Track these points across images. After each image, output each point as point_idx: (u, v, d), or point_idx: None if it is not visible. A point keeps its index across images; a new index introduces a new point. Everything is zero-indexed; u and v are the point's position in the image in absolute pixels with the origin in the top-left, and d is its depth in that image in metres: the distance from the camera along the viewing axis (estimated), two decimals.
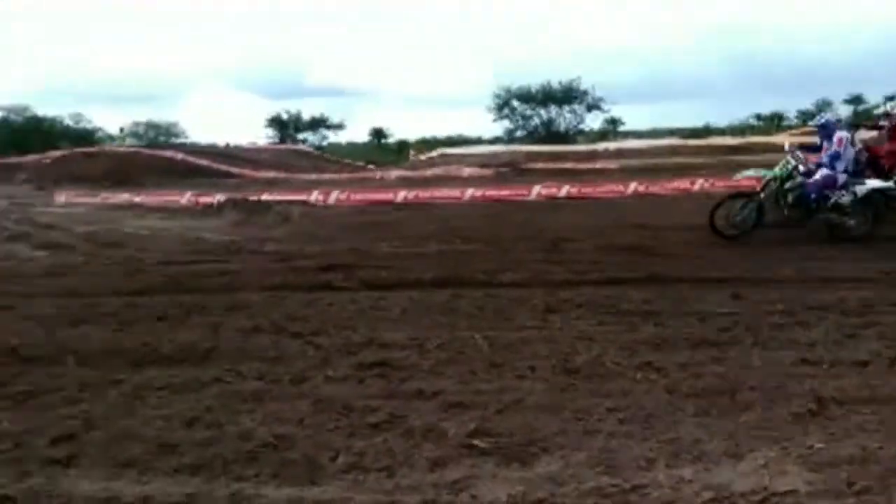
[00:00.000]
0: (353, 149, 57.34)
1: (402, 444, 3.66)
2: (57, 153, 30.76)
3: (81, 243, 10.99)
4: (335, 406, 4.15)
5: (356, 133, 72.76)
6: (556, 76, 54.13)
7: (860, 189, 9.65)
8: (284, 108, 63.80)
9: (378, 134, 65.30)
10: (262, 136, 59.67)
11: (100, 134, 53.99)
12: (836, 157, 9.70)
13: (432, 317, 6.27)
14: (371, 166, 34.57)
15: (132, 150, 31.66)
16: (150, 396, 4.41)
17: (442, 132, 64.25)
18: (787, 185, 9.90)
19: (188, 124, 76.87)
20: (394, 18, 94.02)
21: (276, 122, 62.63)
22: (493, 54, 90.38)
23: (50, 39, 77.78)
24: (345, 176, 21.02)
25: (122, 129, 47.96)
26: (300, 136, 61.93)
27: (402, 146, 57.02)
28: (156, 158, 28.56)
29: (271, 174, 26.14)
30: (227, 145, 41.78)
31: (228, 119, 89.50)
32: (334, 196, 14.50)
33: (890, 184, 9.85)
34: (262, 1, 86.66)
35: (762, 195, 9.97)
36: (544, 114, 53.77)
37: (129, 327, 6.06)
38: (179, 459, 3.54)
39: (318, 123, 63.44)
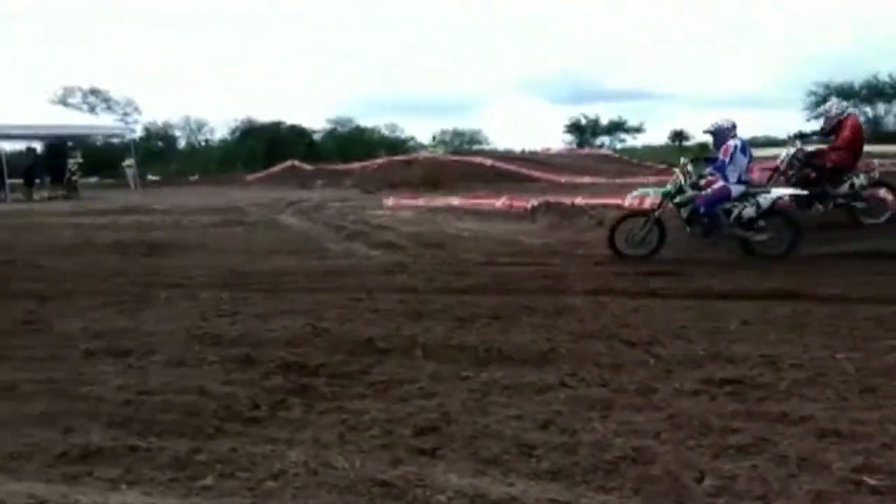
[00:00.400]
0: (649, 152, 55.67)
1: (775, 471, 3.33)
2: (379, 160, 33.57)
3: (410, 243, 11.73)
4: (692, 423, 3.91)
5: (653, 136, 70.64)
6: (884, 69, 48.08)
7: (763, 199, 8.94)
8: (581, 112, 64.04)
9: (678, 136, 62.94)
10: (559, 142, 60.45)
11: (411, 143, 58.19)
12: (723, 166, 9.02)
13: (778, 332, 5.76)
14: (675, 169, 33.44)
15: (446, 157, 33.59)
16: (499, 395, 4.49)
17: (745, 133, 60.08)
18: (677, 199, 9.38)
19: (490, 131, 79.86)
20: (689, 18, 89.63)
21: (574, 128, 63.13)
22: (800, 51, 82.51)
23: (366, 53, 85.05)
24: (651, 179, 20.41)
25: (434, 137, 51.20)
26: (597, 140, 61.82)
27: (703, 148, 54.33)
28: (465, 164, 29.99)
29: (577, 178, 26.28)
30: (523, 151, 42.76)
31: (526, 125, 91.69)
32: (649, 200, 14.08)
33: (792, 190, 9.33)
34: (554, 9, 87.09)
35: (657, 213, 9.44)
36: (870, 111, 48.36)
37: (466, 324, 6.28)
38: (538, 463, 3.53)
39: (616, 127, 62.92)
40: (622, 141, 62.78)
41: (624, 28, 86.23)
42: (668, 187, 9.61)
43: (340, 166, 35.40)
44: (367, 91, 79.82)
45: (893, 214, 9.61)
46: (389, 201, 18.31)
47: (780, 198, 9.02)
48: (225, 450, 3.76)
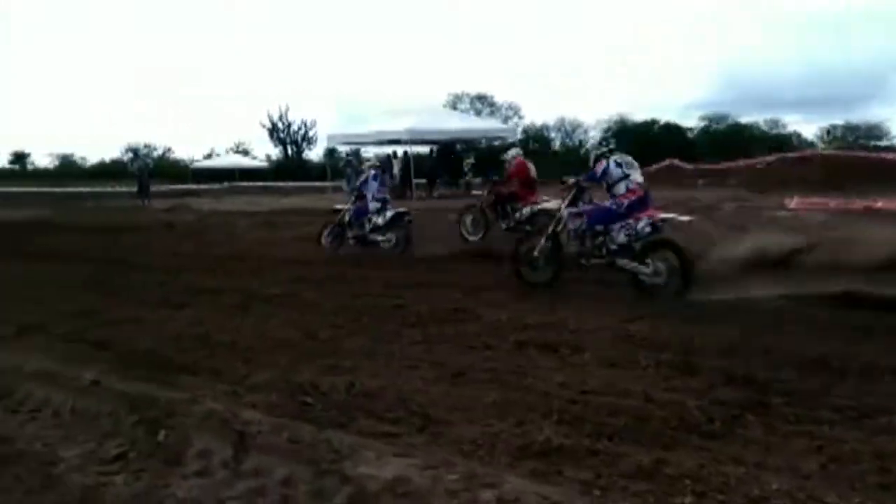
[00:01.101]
0: None
1: None
2: (768, 158, 31.12)
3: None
4: None
5: None
6: None
7: (389, 212, 12.25)
8: None
9: None
10: None
11: (795, 140, 53.29)
12: (362, 187, 12.60)
13: None
14: None
15: (848, 153, 30.13)
16: None
17: None
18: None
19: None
20: None
21: None
22: None
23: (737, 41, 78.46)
24: None
25: (829, 133, 46.42)
26: None
27: None
28: (877, 162, 26.09)
29: None
30: None
31: None
32: None
33: (401, 209, 12.53)
34: None
35: (338, 220, 12.66)
36: None
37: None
38: None
39: None
40: None
41: None
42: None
43: (722, 165, 33.53)
44: (741, 83, 73.78)
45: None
46: (792, 202, 16.77)
47: (400, 212, 12.25)
48: (691, 465, 3.50)
